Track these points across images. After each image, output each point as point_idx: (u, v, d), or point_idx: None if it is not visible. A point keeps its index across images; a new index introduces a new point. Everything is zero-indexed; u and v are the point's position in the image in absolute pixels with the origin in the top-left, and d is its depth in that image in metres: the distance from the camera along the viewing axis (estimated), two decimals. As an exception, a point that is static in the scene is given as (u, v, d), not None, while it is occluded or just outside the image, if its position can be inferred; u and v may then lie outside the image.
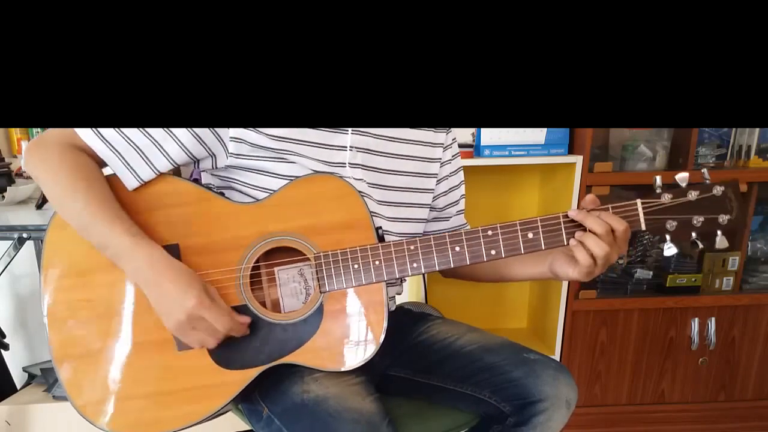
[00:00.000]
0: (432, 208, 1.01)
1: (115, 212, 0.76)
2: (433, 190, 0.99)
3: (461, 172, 1.05)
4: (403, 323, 1.01)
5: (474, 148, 1.66)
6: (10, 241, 1.42)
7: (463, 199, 1.06)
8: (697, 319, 1.75)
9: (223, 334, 0.76)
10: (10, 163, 1.67)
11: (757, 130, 1.70)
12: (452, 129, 1.03)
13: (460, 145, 1.63)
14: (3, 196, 1.63)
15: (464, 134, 1.71)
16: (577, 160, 1.61)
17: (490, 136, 1.63)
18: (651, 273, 1.77)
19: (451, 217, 1.04)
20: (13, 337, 1.88)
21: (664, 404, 1.84)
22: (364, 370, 0.84)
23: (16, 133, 1.89)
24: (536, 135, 1.63)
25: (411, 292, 1.79)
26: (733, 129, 1.73)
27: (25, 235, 1.41)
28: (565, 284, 1.71)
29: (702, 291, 1.76)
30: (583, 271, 0.79)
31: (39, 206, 1.59)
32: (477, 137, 1.65)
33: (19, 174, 1.74)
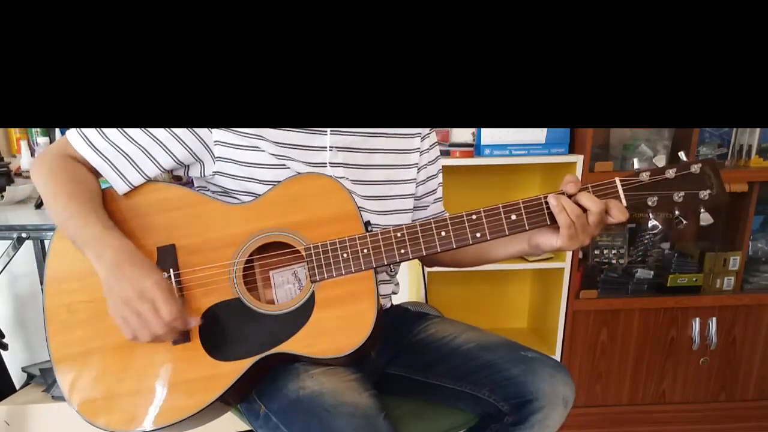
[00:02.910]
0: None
1: (94, 209, 0.79)
2: (414, 179, 1.00)
3: (439, 161, 1.07)
4: (402, 322, 1.01)
5: (474, 148, 1.65)
6: (9, 241, 1.42)
7: (441, 188, 1.08)
8: (698, 319, 1.75)
9: (163, 326, 0.73)
10: (9, 163, 1.67)
11: (758, 129, 1.70)
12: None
13: (461, 145, 1.63)
14: (2, 196, 1.62)
15: (464, 134, 1.71)
16: (578, 159, 1.61)
17: (491, 135, 1.63)
18: (652, 273, 1.77)
19: (428, 206, 1.06)
20: (12, 337, 1.88)
21: (665, 404, 1.84)
22: (361, 367, 0.84)
23: (15, 133, 1.89)
24: (537, 134, 1.63)
25: (411, 292, 1.79)
26: (734, 129, 1.73)
27: (24, 235, 1.41)
28: (565, 284, 1.71)
29: (703, 291, 1.76)
30: (565, 234, 0.78)
31: (38, 206, 1.59)
32: (477, 137, 1.65)
33: (18, 174, 1.74)
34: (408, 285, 1.80)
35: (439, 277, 1.85)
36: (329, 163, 0.88)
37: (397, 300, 1.06)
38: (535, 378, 0.84)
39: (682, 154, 0.78)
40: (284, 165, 0.85)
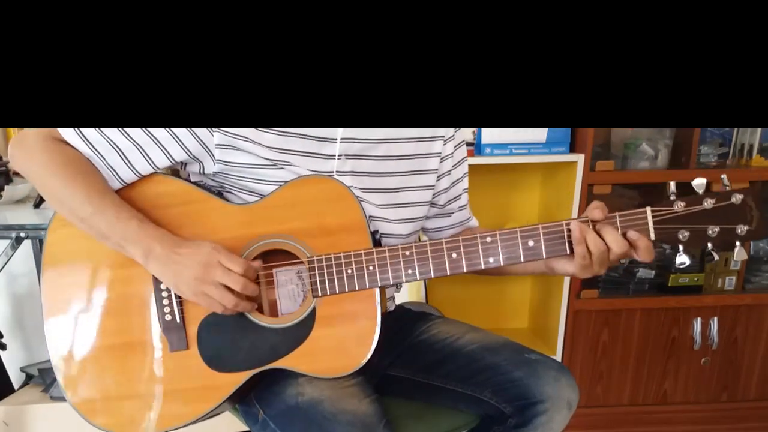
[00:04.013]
0: (433, 205, 0.99)
1: (117, 201, 0.77)
2: (432, 186, 0.95)
3: (465, 164, 1.01)
4: (403, 323, 1.00)
5: (475, 147, 1.65)
6: (8, 241, 1.41)
7: (466, 194, 1.03)
8: (699, 319, 1.74)
9: (241, 282, 0.74)
10: (8, 162, 1.66)
11: (759, 129, 1.69)
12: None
13: (461, 144, 1.63)
14: (0, 195, 1.62)
15: (465, 132, 1.70)
16: (579, 158, 1.60)
17: (491, 134, 1.62)
18: (653, 272, 1.76)
19: (453, 213, 1.02)
20: (11, 337, 1.86)
21: (667, 405, 1.83)
22: (362, 371, 0.83)
23: (14, 132, 1.88)
24: (538, 133, 1.62)
25: (411, 292, 1.78)
26: (735, 128, 1.72)
27: (22, 235, 1.40)
28: (566, 284, 1.70)
29: (704, 290, 1.75)
30: (579, 263, 0.75)
31: (37, 205, 1.58)
32: (478, 135, 1.64)
33: (17, 173, 1.73)
34: (408, 285, 1.80)
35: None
36: (336, 171, 0.84)
37: (397, 299, 1.05)
38: (539, 381, 0.83)
39: (725, 178, 0.72)
40: (281, 166, 0.82)
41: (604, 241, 0.73)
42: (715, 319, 1.74)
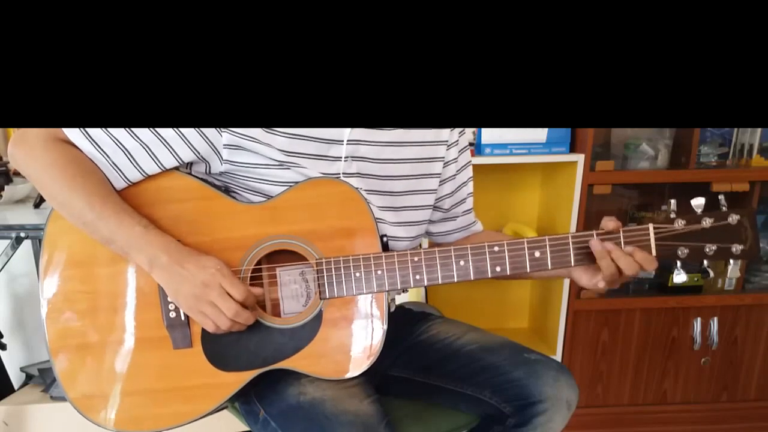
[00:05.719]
0: (437, 209, 0.99)
1: (120, 205, 0.76)
2: (435, 190, 0.95)
3: (469, 168, 1.02)
4: (404, 323, 1.00)
5: (475, 147, 1.65)
6: (8, 241, 1.41)
7: (471, 198, 1.03)
8: (699, 319, 1.74)
9: (234, 309, 0.73)
10: (8, 162, 1.66)
11: (759, 129, 1.69)
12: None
13: (461, 144, 1.62)
14: (0, 195, 1.62)
15: (466, 134, 1.70)
16: (579, 158, 1.60)
17: (491, 134, 1.62)
18: (653, 272, 1.76)
19: (458, 217, 1.02)
20: (11, 337, 1.87)
21: (666, 405, 1.83)
22: (363, 372, 0.83)
23: (14, 132, 1.88)
24: (538, 133, 1.62)
25: (411, 292, 1.78)
26: (735, 128, 1.72)
27: (22, 235, 1.40)
28: (566, 284, 1.70)
29: (704, 290, 1.75)
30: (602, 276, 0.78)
31: (37, 205, 1.58)
32: (478, 135, 1.64)
33: (17, 173, 1.73)
34: (408, 285, 1.80)
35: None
36: (342, 173, 0.84)
37: (397, 300, 1.05)
38: (539, 381, 0.83)
39: (722, 198, 0.75)
40: (288, 167, 0.82)
41: (616, 263, 0.76)
42: (715, 319, 1.74)
